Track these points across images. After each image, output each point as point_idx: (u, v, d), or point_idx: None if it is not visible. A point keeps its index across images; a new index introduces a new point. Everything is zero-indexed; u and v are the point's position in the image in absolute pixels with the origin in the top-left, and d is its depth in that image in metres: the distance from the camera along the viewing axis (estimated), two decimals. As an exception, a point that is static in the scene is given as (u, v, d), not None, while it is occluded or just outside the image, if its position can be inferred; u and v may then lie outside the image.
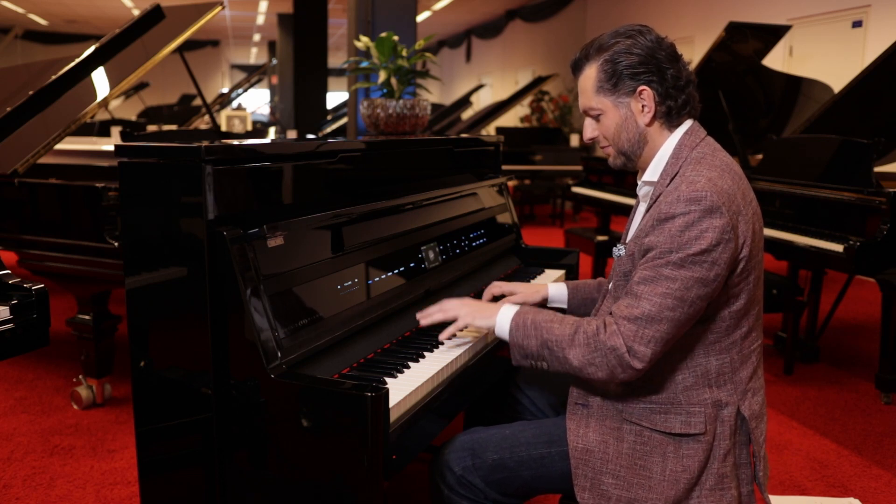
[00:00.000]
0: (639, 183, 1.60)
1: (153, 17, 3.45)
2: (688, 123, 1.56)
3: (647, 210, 1.52)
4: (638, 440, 1.50)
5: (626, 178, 5.02)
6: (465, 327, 1.68)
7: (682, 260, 1.39)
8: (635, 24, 1.55)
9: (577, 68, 1.59)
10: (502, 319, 1.59)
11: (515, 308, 1.60)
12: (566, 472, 1.54)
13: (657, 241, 1.42)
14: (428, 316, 1.72)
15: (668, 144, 1.54)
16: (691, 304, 1.40)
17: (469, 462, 1.55)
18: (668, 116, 1.54)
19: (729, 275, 1.43)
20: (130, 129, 6.36)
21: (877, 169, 3.47)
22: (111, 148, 3.94)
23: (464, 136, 2.78)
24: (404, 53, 2.63)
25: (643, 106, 1.53)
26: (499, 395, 1.92)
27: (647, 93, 1.51)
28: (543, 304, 1.94)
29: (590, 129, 1.61)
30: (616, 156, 1.60)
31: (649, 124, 1.54)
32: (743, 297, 1.47)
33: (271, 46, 20.62)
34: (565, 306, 1.94)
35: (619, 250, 1.60)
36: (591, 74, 1.55)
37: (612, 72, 1.52)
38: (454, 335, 1.71)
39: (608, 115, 1.56)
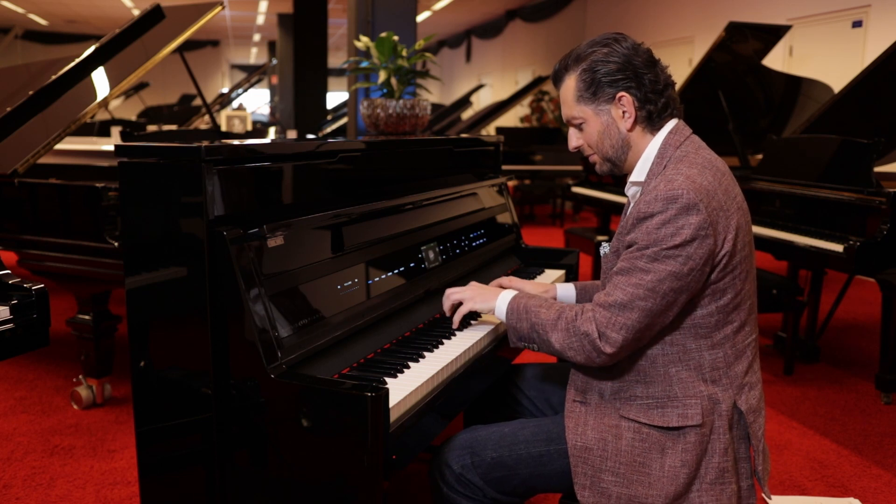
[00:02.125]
0: (628, 184, 1.63)
1: (153, 17, 3.45)
2: (672, 123, 1.58)
3: None
4: (636, 437, 1.50)
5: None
6: (470, 311, 1.78)
7: (657, 253, 1.43)
8: (611, 33, 1.58)
9: (557, 79, 1.63)
10: (501, 303, 1.67)
11: (513, 293, 1.68)
12: (564, 470, 1.55)
13: (636, 237, 1.47)
14: (448, 308, 1.80)
15: (652, 146, 1.57)
16: (664, 296, 1.43)
17: (468, 460, 1.56)
18: (650, 120, 1.56)
19: (711, 271, 1.46)
20: (130, 129, 6.34)
21: (877, 169, 3.47)
22: (111, 148, 3.95)
23: (464, 136, 2.78)
24: (404, 53, 2.63)
25: (623, 112, 1.56)
26: (498, 395, 1.92)
27: (627, 99, 1.54)
28: None
29: (574, 138, 1.65)
30: (602, 162, 1.65)
31: (631, 129, 1.57)
32: (730, 293, 1.49)
33: (271, 46, 20.63)
34: None
35: (604, 248, 1.67)
36: (570, 85, 1.59)
37: (590, 80, 1.55)
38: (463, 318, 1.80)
39: (590, 123, 1.59)
